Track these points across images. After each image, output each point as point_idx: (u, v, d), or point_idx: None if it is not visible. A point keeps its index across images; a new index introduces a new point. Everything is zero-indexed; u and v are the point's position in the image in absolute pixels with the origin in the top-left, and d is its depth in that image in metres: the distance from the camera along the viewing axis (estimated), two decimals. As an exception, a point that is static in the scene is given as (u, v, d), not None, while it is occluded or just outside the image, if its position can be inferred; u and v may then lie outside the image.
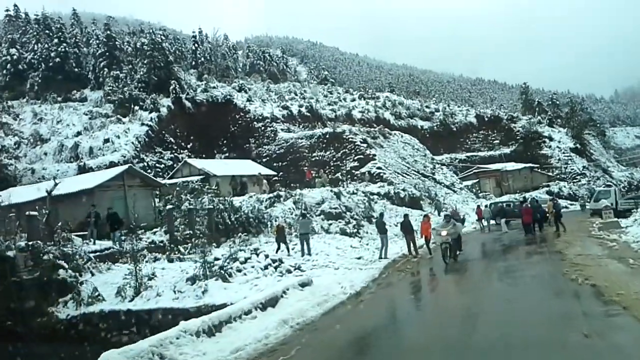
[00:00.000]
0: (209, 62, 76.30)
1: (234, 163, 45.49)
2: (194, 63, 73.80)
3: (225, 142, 60.40)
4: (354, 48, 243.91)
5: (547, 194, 62.35)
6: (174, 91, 58.49)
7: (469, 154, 78.95)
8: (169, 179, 42.24)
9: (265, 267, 17.13)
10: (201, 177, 39.87)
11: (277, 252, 22.56)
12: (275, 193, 34.44)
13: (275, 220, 32.05)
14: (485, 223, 36.62)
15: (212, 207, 29.38)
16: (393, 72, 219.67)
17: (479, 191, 63.00)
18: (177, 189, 37.04)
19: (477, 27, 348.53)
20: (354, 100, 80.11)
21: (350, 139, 53.99)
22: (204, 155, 54.16)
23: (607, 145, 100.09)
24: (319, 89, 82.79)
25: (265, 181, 42.23)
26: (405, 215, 25.40)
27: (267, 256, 18.26)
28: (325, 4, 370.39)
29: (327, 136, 54.93)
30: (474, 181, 65.18)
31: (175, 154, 53.99)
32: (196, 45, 74.51)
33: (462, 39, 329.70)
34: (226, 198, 33.62)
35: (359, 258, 21.91)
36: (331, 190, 34.37)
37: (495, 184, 67.10)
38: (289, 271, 17.31)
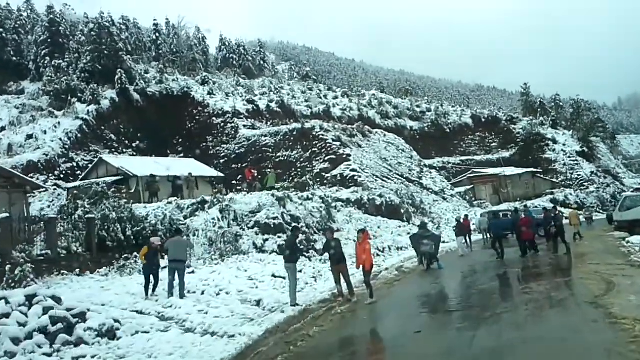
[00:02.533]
0: (173, 54, 68.29)
1: (169, 162, 37.18)
2: (155, 55, 65.88)
3: (180, 140, 52.22)
4: (350, 54, 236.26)
5: (551, 202, 54.32)
6: (119, 82, 50.34)
7: (463, 158, 70.84)
8: (81, 179, 34.13)
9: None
10: (119, 177, 31.73)
11: (146, 288, 14.37)
12: (199, 198, 26.21)
13: (195, 234, 24.00)
14: (468, 241, 28.28)
15: (93, 216, 21.18)
16: (389, 77, 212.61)
17: (473, 198, 54.81)
18: (75, 192, 29.00)
19: (477, 34, 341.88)
20: (336, 98, 72.03)
21: (320, 137, 45.80)
22: (153, 155, 45.90)
23: (614, 151, 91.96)
24: (298, 85, 74.72)
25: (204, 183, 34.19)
26: (329, 231, 16.31)
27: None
28: (321, 10, 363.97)
29: (295, 133, 46.75)
30: (468, 187, 56.96)
31: (117, 153, 45.77)
32: (157, 35, 66.59)
33: (461, 45, 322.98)
34: (134, 204, 25.56)
35: (257, 303, 13.60)
36: (272, 195, 26.09)
37: (493, 191, 58.90)
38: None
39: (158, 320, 11.34)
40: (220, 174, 39.40)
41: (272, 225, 23.91)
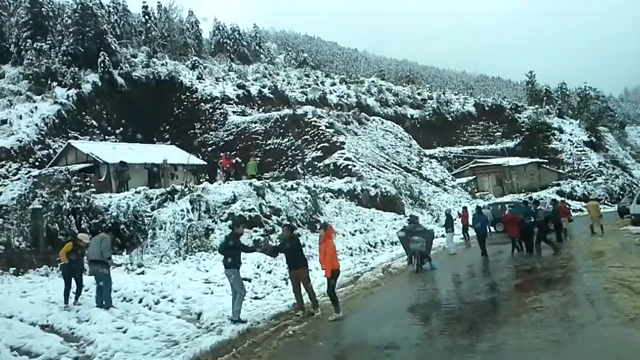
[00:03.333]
0: (164, 39, 65.44)
1: (146, 149, 34.48)
2: (145, 39, 63.08)
3: (167, 127, 49.60)
4: (352, 43, 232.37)
5: (558, 194, 51.65)
6: (102, 65, 47.66)
7: (466, 148, 68.02)
8: (49, 166, 31.58)
9: None
10: (88, 165, 29.18)
11: (66, 295, 11.80)
12: (169, 188, 23.61)
13: (161, 227, 21.49)
14: (467, 236, 25.88)
15: (39, 207, 18.67)
16: (392, 67, 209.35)
17: (476, 190, 52.13)
18: (35, 180, 26.54)
19: (481, 23, 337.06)
20: (333, 84, 69.19)
21: (313, 123, 43.14)
22: (139, 142, 43.27)
23: (622, 141, 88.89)
24: (295, 72, 71.90)
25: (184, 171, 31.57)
26: (286, 227, 13.11)
27: None
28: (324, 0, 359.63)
29: (286, 119, 44.10)
30: (470, 178, 54.24)
31: (98, 140, 43.15)
32: (146, 18, 63.74)
33: (465, 35, 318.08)
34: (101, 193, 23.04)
35: (198, 316, 11.00)
36: (250, 185, 23.47)
37: (496, 182, 56.20)
38: None
39: (59, 343, 8.78)
40: (203, 162, 36.73)
41: (248, 218, 21.28)
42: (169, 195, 23.07)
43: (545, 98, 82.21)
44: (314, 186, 31.79)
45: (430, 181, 47.52)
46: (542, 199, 44.60)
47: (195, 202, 21.97)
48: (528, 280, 12.57)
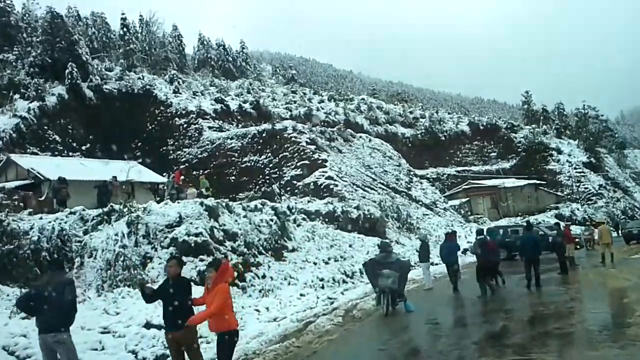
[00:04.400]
0: (143, 52, 62.48)
1: (101, 165, 30.89)
2: (123, 52, 60.13)
3: (139, 143, 46.24)
4: (348, 65, 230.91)
5: (557, 218, 48.35)
6: (69, 77, 44.49)
7: (459, 169, 64.81)
8: (-14, 184, 28.12)
9: None
10: (27, 182, 25.78)
11: None
12: (107, 208, 20.13)
13: (91, 255, 18.02)
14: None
15: None
16: (387, 89, 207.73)
17: (469, 212, 48.75)
18: (-45, 198, 23.11)
19: (477, 47, 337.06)
20: (321, 101, 66.18)
21: (293, 139, 39.92)
22: (106, 159, 39.87)
23: (622, 163, 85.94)
24: (282, 89, 69.00)
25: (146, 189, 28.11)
26: (176, 263, 7.90)
27: None
28: (320, 23, 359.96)
29: (264, 135, 40.89)
30: (464, 200, 50.90)
31: (61, 156, 39.77)
32: (125, 30, 60.82)
33: (461, 58, 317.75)
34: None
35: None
36: (202, 204, 20.02)
37: (491, 204, 52.88)
38: None
39: None
40: (166, 180, 33.32)
41: (193, 244, 17.84)
42: (105, 217, 19.60)
43: (542, 118, 79.44)
44: (289, 207, 28.48)
45: (421, 203, 44.20)
46: (539, 223, 41.48)
47: (133, 224, 18.51)
48: (529, 338, 9.10)
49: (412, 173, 49.43)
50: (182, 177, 27.61)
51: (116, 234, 18.32)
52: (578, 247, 26.18)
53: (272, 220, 22.58)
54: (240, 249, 19.59)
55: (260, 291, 18.58)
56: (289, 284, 20.03)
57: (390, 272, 12.49)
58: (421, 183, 48.79)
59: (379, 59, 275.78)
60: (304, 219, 26.57)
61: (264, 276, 19.65)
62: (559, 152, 66.54)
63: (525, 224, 19.68)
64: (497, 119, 79.12)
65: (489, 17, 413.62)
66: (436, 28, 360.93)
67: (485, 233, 18.25)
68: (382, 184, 42.80)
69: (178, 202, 21.26)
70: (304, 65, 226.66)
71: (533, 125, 72.84)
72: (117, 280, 15.91)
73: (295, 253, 22.79)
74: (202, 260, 17.72)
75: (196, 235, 18.17)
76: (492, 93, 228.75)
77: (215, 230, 19.28)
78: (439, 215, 43.72)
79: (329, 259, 23.86)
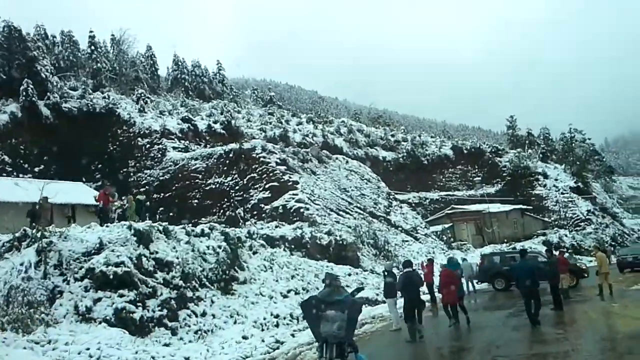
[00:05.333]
0: (112, 71, 59.57)
1: (36, 186, 27.41)
2: (90, 71, 57.22)
3: (99, 165, 43.05)
4: (334, 92, 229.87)
5: (544, 245, 45.59)
6: (24, 94, 41.45)
7: (443, 193, 62.14)
8: None
9: None
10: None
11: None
12: (20, 233, 16.94)
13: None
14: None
15: None
16: (371, 114, 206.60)
17: (452, 239, 45.86)
18: None
19: (462, 75, 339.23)
20: (300, 124, 63.57)
21: (262, 159, 37.02)
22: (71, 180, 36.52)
23: (608, 189, 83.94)
24: (259, 111, 66.39)
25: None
26: None
27: None
28: (306, 49, 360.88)
29: (231, 155, 37.95)
30: (447, 226, 48.05)
31: (9, 178, 36.45)
32: (92, 48, 58.00)
33: (446, 87, 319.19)
34: None
35: None
36: (130, 228, 16.92)
37: (475, 230, 50.09)
38: None
39: None
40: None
41: (112, 276, 14.71)
42: (15, 243, 16.46)
43: (527, 142, 77.38)
44: (249, 232, 25.44)
45: (400, 228, 41.31)
46: (523, 249, 38.63)
47: (44, 252, 15.38)
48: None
49: (391, 197, 46.65)
50: (113, 197, 24.17)
51: (21, 264, 15.23)
52: (586, 275, 23.33)
53: (220, 247, 19.49)
54: (175, 282, 16.48)
55: (196, 332, 15.47)
56: (235, 322, 16.91)
57: (335, 315, 9.43)
58: (401, 207, 45.97)
59: (364, 87, 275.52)
60: (262, 245, 23.46)
61: (203, 314, 16.55)
62: (546, 176, 64.25)
63: (520, 250, 16.81)
64: (481, 143, 76.90)
65: (474, 47, 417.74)
66: (422, 57, 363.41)
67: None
68: (359, 208, 39.95)
69: (107, 226, 18.14)
70: (289, 92, 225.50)
71: (518, 150, 70.64)
72: (14, 320, 12.74)
73: (248, 285, 19.68)
74: (121, 295, 14.63)
75: (117, 265, 15.03)
76: (477, 120, 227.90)
77: (144, 259, 16.16)
78: (420, 242, 40.84)
79: (289, 291, 20.73)
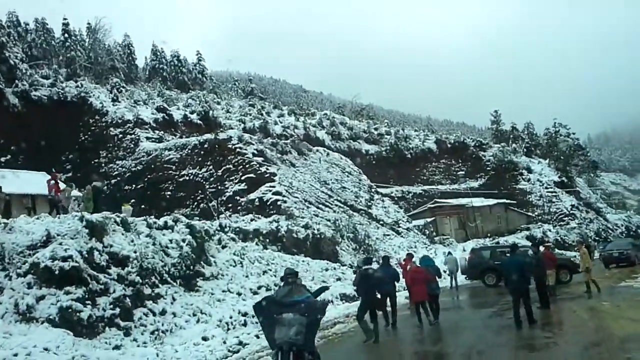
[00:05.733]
0: (88, 60, 57.66)
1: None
2: (63, 59, 55.30)
3: (70, 155, 41.39)
4: (319, 87, 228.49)
5: (528, 240, 44.81)
6: (-10, 80, 39.68)
7: (426, 187, 61.10)
8: None
9: None
10: None
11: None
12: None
13: None
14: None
15: None
16: (355, 109, 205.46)
17: (434, 233, 44.87)
18: None
19: (447, 70, 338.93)
20: (281, 116, 62.18)
21: (238, 150, 35.64)
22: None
23: (592, 184, 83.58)
24: (240, 102, 64.86)
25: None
26: None
27: None
28: (292, 43, 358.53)
29: (206, 146, 36.53)
30: (429, 220, 46.99)
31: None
32: (66, 36, 56.05)
33: (430, 82, 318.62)
34: None
35: None
36: (81, 219, 15.51)
37: (458, 225, 49.21)
38: None
39: None
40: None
41: (59, 271, 13.34)
42: (-45, 235, 15.00)
43: (511, 137, 76.62)
44: (220, 225, 24.17)
45: (381, 222, 40.21)
46: (507, 245, 37.85)
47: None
48: None
49: (373, 190, 45.51)
50: (61, 184, 22.51)
51: (-44, 258, 13.81)
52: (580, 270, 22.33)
53: (184, 240, 18.15)
54: (131, 278, 15.14)
55: (153, 333, 14.19)
56: (197, 321, 15.66)
57: (293, 318, 8.12)
58: (383, 201, 44.86)
59: (349, 82, 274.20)
60: (232, 239, 22.18)
61: (163, 312, 15.26)
62: (530, 171, 63.52)
63: (510, 244, 15.77)
64: (465, 137, 76.01)
65: (459, 43, 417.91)
66: (407, 53, 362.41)
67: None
68: (339, 201, 38.76)
69: (59, 217, 16.70)
70: (273, 86, 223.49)
71: (502, 144, 69.81)
72: None
73: (214, 281, 18.42)
74: (68, 293, 13.26)
75: (64, 259, 13.67)
76: (462, 116, 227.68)
77: (96, 253, 14.83)
78: (402, 236, 39.79)
79: (260, 287, 19.49)
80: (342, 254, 30.37)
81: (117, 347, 12.88)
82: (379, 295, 13.57)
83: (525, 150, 69.64)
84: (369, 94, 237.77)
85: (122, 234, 16.52)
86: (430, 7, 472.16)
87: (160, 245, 17.44)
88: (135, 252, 15.95)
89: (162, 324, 14.70)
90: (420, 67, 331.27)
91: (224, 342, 13.57)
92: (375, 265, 21.12)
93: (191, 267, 17.76)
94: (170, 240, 17.97)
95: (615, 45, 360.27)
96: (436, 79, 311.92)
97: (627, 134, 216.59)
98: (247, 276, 19.83)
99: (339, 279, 25.46)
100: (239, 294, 18.48)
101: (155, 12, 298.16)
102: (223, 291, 18.12)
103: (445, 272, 31.50)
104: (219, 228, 23.80)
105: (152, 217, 19.50)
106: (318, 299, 9.09)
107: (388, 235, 38.32)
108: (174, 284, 16.87)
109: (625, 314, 12.07)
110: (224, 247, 20.79)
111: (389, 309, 14.55)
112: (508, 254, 13.88)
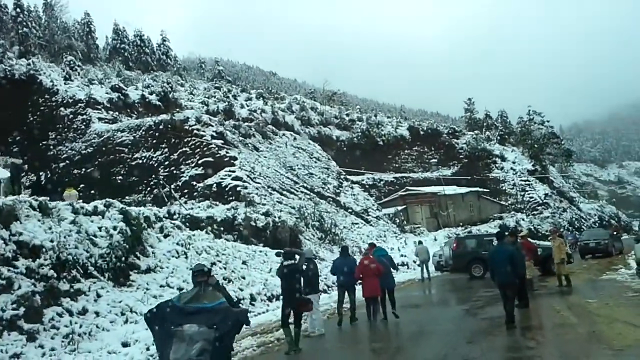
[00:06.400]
0: (43, 38, 54.30)
1: None
2: (19, 38, 51.85)
3: (17, 137, 38.49)
4: (293, 74, 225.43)
5: (500, 228, 43.36)
6: None
7: (398, 175, 59.33)
8: None
9: None
10: None
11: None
12: None
13: None
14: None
15: None
16: (327, 94, 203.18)
17: (405, 222, 43.08)
18: None
19: (422, 61, 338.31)
20: (249, 99, 59.70)
21: (196, 132, 33.22)
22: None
23: (565, 173, 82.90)
24: (205, 84, 62.15)
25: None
26: None
27: None
28: (266, 33, 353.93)
29: (161, 127, 34.01)
30: (400, 208, 45.17)
31: None
32: (18, 11, 52.58)
33: (406, 71, 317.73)
34: None
35: None
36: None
37: (430, 213, 47.55)
38: None
39: None
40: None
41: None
42: None
43: (485, 125, 75.35)
44: (168, 212, 21.92)
45: (350, 210, 38.24)
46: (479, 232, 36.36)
47: None
48: None
49: (342, 177, 43.50)
50: None
51: None
52: (572, 260, 20.42)
53: (115, 228, 15.84)
54: (43, 271, 12.81)
55: (66, 336, 11.91)
56: (125, 321, 13.44)
57: (197, 332, 5.95)
58: (352, 188, 42.90)
59: (325, 71, 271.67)
60: (178, 227, 19.85)
61: (83, 312, 12.99)
62: (503, 159, 62.27)
63: (496, 232, 13.76)
64: (438, 124, 74.46)
65: (434, 33, 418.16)
66: (382, 42, 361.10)
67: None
68: (306, 187, 36.66)
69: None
70: (246, 72, 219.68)
71: (476, 131, 68.41)
72: None
73: (151, 275, 16.16)
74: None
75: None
76: (436, 106, 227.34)
77: (1, 243, 12.46)
78: (371, 225, 37.89)
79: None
80: (306, 244, 28.28)
81: (15, 356, 10.63)
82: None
83: (498, 138, 68.38)
84: (343, 84, 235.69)
85: (39, 220, 14.16)
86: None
87: (87, 234, 15.11)
88: (52, 241, 13.60)
89: (80, 326, 12.43)
90: (396, 56, 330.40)
91: (147, 349, 11.38)
92: (335, 256, 19.15)
93: (123, 259, 15.45)
94: (100, 228, 15.63)
95: (588, 38, 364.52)
96: (411, 70, 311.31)
97: (598, 126, 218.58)
98: (191, 268, 17.56)
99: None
100: (180, 289, 16.20)
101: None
102: (161, 286, 15.90)
103: (415, 262, 29.94)
104: (166, 215, 21.58)
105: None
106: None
107: (356, 223, 36.39)
108: (101, 278, 14.57)
109: (617, 315, 10.23)
110: (166, 236, 18.48)
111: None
112: (495, 243, 11.79)
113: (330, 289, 22.51)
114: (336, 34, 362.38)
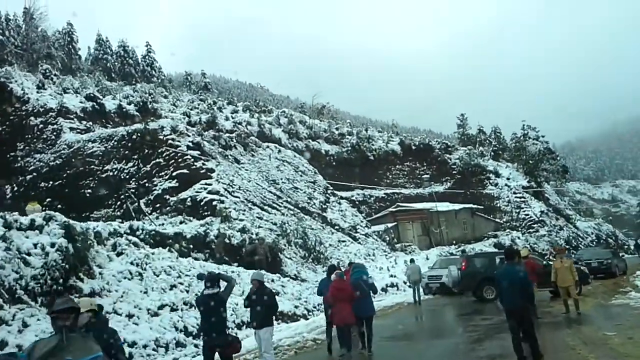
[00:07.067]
0: (20, 47, 52.28)
1: None
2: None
3: (-17, 149, 36.21)
4: (286, 91, 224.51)
5: (495, 247, 41.35)
6: None
7: (389, 191, 57.21)
8: None
9: None
10: None
11: None
12: None
13: None
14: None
15: None
16: (316, 107, 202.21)
17: (395, 240, 40.91)
18: None
19: (415, 78, 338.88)
20: (235, 112, 57.73)
21: (170, 143, 31.08)
22: None
23: (560, 191, 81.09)
24: (191, 96, 60.12)
25: None
26: None
27: None
28: (256, 46, 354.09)
29: (134, 137, 31.84)
30: (390, 225, 42.99)
31: None
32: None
33: (398, 89, 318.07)
34: None
35: None
36: None
37: (422, 231, 45.39)
38: None
39: None
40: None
41: None
42: None
43: (478, 140, 73.60)
44: (130, 228, 19.71)
45: (337, 227, 36.07)
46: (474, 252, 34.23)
47: None
48: None
49: (329, 191, 41.37)
50: None
51: None
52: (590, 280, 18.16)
53: (53, 245, 13.63)
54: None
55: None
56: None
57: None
58: (340, 204, 40.76)
59: (317, 88, 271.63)
60: (134, 244, 17.61)
61: (2, 345, 10.78)
62: (497, 175, 60.39)
63: (505, 250, 11.36)
64: (430, 139, 72.65)
65: (427, 50, 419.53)
66: (374, 58, 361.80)
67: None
68: (289, 202, 34.51)
69: None
70: (239, 89, 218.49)
71: (469, 147, 66.60)
72: None
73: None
74: None
75: None
76: (429, 123, 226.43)
77: None
78: (359, 242, 35.70)
79: (162, 307, 15.09)
80: (287, 263, 26.10)
81: None
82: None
83: (492, 153, 66.61)
84: (337, 101, 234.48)
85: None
86: (398, 14, 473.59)
87: (19, 251, 12.94)
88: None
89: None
90: (389, 74, 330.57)
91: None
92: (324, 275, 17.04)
93: (61, 281, 13.24)
94: (35, 245, 13.46)
95: (580, 57, 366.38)
96: (404, 86, 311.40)
97: (591, 144, 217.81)
98: (145, 292, 15.36)
99: (277, 294, 21.20)
100: (130, 315, 14.06)
101: (117, 9, 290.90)
102: (107, 313, 13.69)
103: (405, 282, 27.64)
104: (128, 230, 19.37)
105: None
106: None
107: (343, 241, 34.20)
108: (32, 303, 12.39)
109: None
110: (119, 254, 16.26)
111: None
112: (506, 262, 9.53)
113: (310, 313, 20.37)
114: (329, 56, 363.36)
